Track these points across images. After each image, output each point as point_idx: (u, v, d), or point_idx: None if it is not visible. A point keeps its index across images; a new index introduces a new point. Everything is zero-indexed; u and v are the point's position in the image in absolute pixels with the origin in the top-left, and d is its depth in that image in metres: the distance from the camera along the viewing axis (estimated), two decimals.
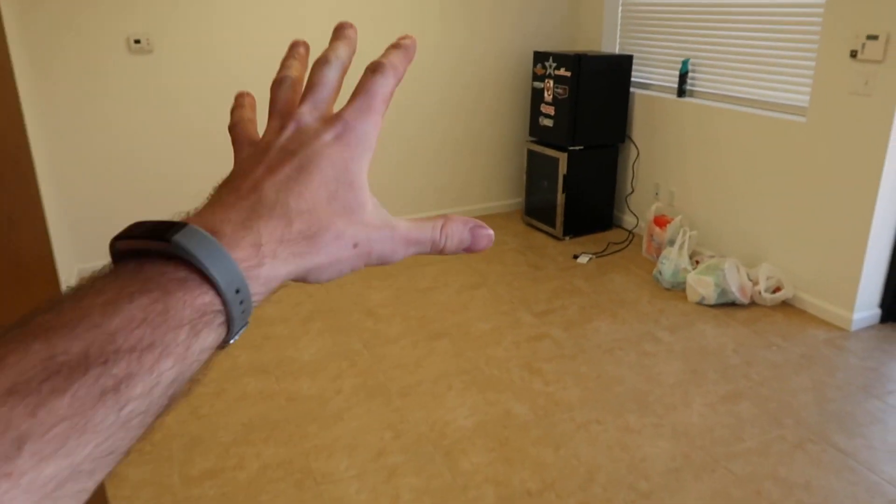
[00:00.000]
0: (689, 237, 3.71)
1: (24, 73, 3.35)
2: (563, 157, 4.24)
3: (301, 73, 0.43)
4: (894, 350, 3.02)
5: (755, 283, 3.44)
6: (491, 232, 0.41)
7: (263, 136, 0.40)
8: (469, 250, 0.41)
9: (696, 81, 3.97)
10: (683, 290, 3.58)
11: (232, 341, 0.33)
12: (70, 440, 0.25)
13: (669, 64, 4.15)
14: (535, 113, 4.45)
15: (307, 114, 0.39)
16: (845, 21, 2.99)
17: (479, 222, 0.40)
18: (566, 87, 4.13)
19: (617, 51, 4.56)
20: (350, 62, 0.43)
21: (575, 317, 3.37)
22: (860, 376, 2.82)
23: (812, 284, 3.35)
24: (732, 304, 3.44)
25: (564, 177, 4.26)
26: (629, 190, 4.50)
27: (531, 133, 4.54)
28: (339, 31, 0.44)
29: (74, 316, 0.27)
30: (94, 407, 0.26)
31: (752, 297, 3.44)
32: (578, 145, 4.23)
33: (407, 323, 3.33)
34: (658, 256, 3.84)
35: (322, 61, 0.42)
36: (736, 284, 3.40)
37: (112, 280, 0.30)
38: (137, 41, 3.64)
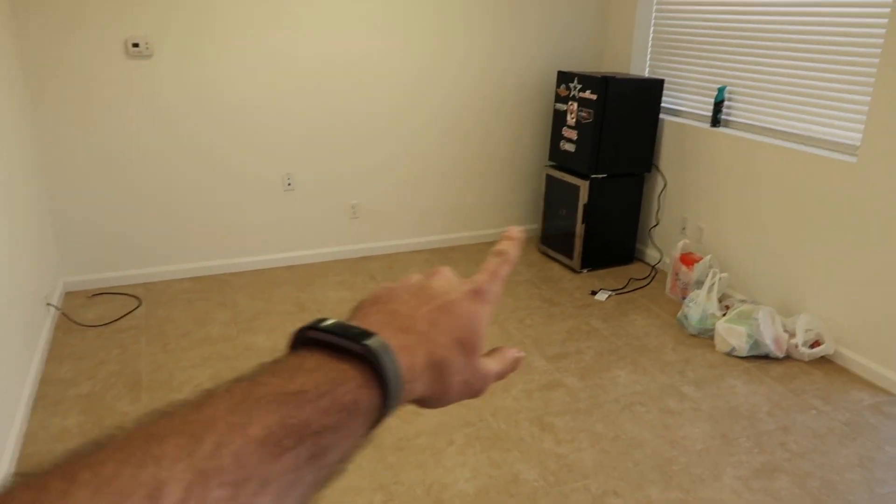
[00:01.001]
0: (719, 279, 3.41)
1: (14, 75, 3.12)
2: (584, 185, 3.96)
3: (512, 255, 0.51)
4: None
5: (792, 336, 3.14)
6: (524, 355, 0.50)
7: (411, 277, 0.47)
8: (510, 371, 0.48)
9: (733, 111, 3.68)
10: (711, 337, 3.28)
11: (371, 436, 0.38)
12: (290, 489, 0.31)
13: (704, 90, 3.86)
14: (557, 137, 4.18)
15: (450, 272, 0.47)
16: None
17: (518, 352, 0.49)
18: (591, 110, 3.86)
19: (647, 74, 4.29)
20: (516, 261, 0.50)
21: (591, 363, 3.08)
22: None
23: (856, 340, 3.04)
24: (766, 358, 3.14)
25: (585, 206, 3.98)
26: (654, 222, 4.20)
27: (551, 158, 4.26)
28: (513, 236, 0.51)
29: (295, 387, 0.34)
30: (306, 466, 0.32)
31: (787, 350, 3.14)
32: (601, 173, 3.95)
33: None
34: (683, 298, 3.54)
35: (499, 254, 0.50)
36: (770, 336, 3.09)
37: (317, 363, 0.36)
38: (136, 45, 3.40)
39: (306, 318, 2.39)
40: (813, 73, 3.20)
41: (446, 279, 0.46)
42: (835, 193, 3.06)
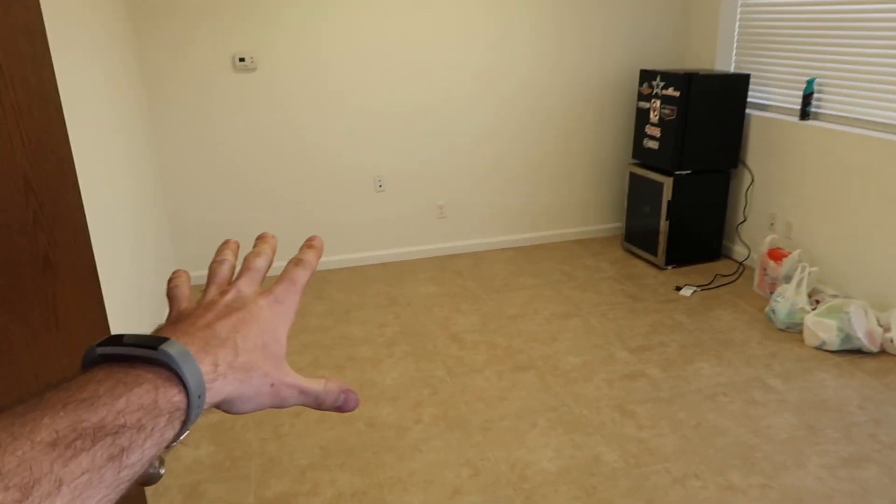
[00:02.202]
0: (809, 274, 3.37)
1: (137, 89, 3.51)
2: (667, 182, 3.98)
3: (234, 260, 0.53)
4: None
5: (886, 330, 3.06)
6: (357, 397, 0.50)
7: (203, 298, 0.48)
8: (340, 410, 0.49)
9: (823, 103, 3.62)
10: (800, 332, 3.24)
11: (181, 439, 0.39)
12: (87, 489, 0.30)
13: (792, 84, 3.81)
14: (640, 134, 4.22)
15: (245, 286, 0.48)
16: None
17: (349, 388, 0.50)
18: (674, 107, 3.88)
19: (732, 69, 4.26)
20: (272, 260, 0.53)
21: (674, 356, 3.12)
22: None
23: None
24: (858, 352, 3.08)
25: (669, 203, 4.00)
26: (741, 219, 4.16)
27: (634, 155, 4.30)
28: (265, 239, 0.54)
29: (87, 395, 0.33)
30: (104, 466, 0.32)
31: (882, 344, 3.06)
32: (685, 170, 3.96)
33: (492, 352, 3.20)
34: (772, 293, 3.51)
35: (255, 254, 0.52)
36: (863, 330, 3.03)
37: (107, 373, 0.36)
38: (242, 59, 3.73)
39: (398, 311, 2.70)
40: None
41: (239, 294, 0.47)
42: None
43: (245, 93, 3.82)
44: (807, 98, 3.64)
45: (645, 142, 4.17)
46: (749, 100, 4.02)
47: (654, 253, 4.15)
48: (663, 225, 4.05)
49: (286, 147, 3.98)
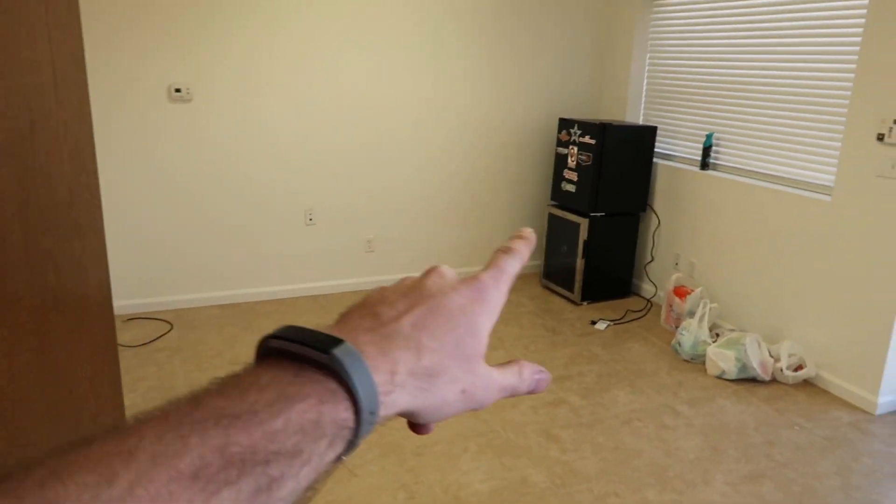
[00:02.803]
0: (710, 309, 3.69)
1: None
2: (584, 223, 4.27)
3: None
4: None
5: (776, 360, 3.40)
6: (549, 376, 0.46)
7: (408, 277, 0.43)
8: (533, 392, 0.44)
9: (720, 155, 4.02)
10: (703, 362, 3.54)
11: (345, 458, 0.34)
12: None
13: (693, 136, 4.21)
14: (558, 178, 4.51)
15: (449, 271, 0.42)
16: (873, 104, 3.05)
17: (541, 368, 0.45)
18: (590, 154, 4.19)
19: (641, 121, 4.65)
20: (525, 261, 0.46)
21: (593, 384, 3.33)
22: (888, 463, 2.75)
23: (835, 364, 3.30)
24: (753, 381, 3.39)
25: (584, 242, 4.28)
26: (649, 258, 4.50)
27: (553, 197, 4.58)
28: (522, 235, 0.47)
29: (243, 409, 0.29)
30: (250, 501, 0.28)
31: (773, 374, 3.40)
32: (600, 212, 4.27)
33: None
34: (677, 327, 3.81)
35: (504, 251, 0.45)
36: (757, 360, 3.36)
37: (272, 378, 0.32)
38: (178, 90, 3.75)
39: None
40: (790, 120, 3.55)
41: (442, 277, 0.41)
42: (812, 229, 3.37)
43: (180, 123, 3.83)
44: (706, 150, 4.03)
45: (563, 185, 4.46)
46: (656, 150, 4.40)
47: (571, 289, 4.41)
48: (579, 263, 4.31)
49: (220, 177, 3.99)
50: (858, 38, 3.12)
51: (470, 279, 0.41)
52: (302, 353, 0.33)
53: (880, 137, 3.02)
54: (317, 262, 4.38)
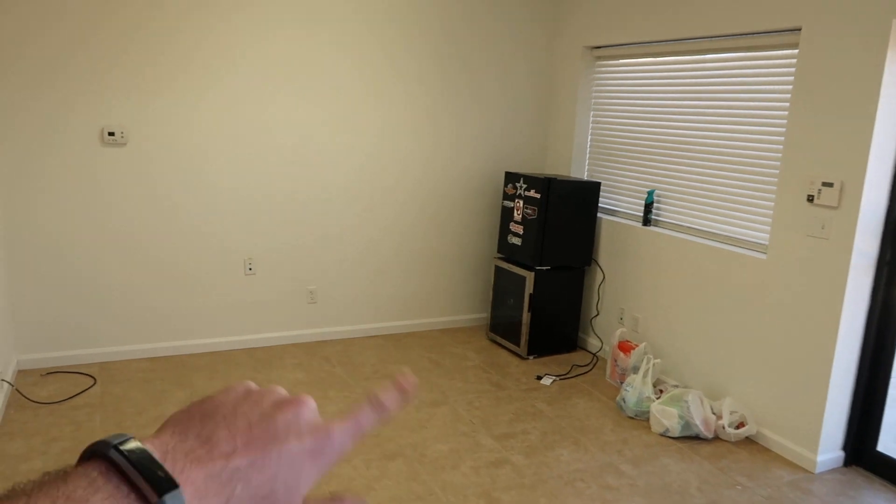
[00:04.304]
0: (653, 365, 3.68)
1: None
2: (529, 276, 4.26)
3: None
4: (858, 496, 2.96)
5: (719, 417, 3.39)
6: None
7: (265, 391, 0.42)
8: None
9: (661, 212, 4.09)
10: (647, 419, 3.51)
11: None
12: None
13: (636, 193, 4.28)
14: (505, 230, 4.51)
15: (309, 414, 0.41)
16: (802, 166, 3.14)
17: (360, 499, 0.45)
18: (535, 208, 4.21)
19: (585, 176, 4.71)
20: (387, 417, 0.45)
21: (536, 442, 3.25)
22: None
23: (775, 422, 3.31)
24: (696, 438, 3.37)
25: (531, 296, 4.26)
26: (594, 312, 4.50)
27: (500, 250, 4.57)
28: (405, 386, 0.46)
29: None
30: None
31: (715, 431, 3.38)
32: (545, 265, 4.26)
33: (361, 440, 3.17)
34: (622, 382, 3.79)
35: (376, 406, 0.45)
36: (700, 418, 3.34)
37: (101, 502, 0.32)
38: (111, 133, 3.63)
39: None
40: (726, 180, 3.64)
41: (297, 417, 0.40)
42: (749, 286, 3.42)
43: (114, 166, 3.69)
44: (648, 206, 4.09)
45: (509, 238, 4.46)
46: (600, 205, 4.45)
47: (518, 343, 4.36)
48: (525, 316, 4.28)
49: (155, 223, 3.85)
50: (787, 104, 3.24)
51: (322, 431, 0.41)
52: (139, 484, 0.33)
53: (810, 199, 3.10)
54: (256, 313, 4.23)
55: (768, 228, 3.38)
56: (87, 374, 3.69)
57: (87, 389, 3.52)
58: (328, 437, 0.41)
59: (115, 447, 0.33)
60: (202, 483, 0.35)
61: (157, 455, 0.34)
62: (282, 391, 0.43)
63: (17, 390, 3.44)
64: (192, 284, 4.02)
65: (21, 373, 3.67)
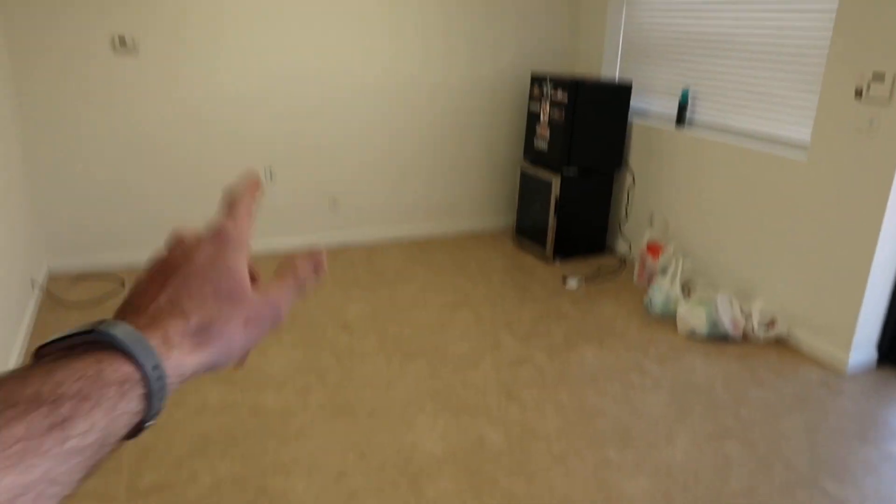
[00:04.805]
0: (682, 267, 3.59)
1: (2, 66, 3.24)
2: (556, 180, 4.13)
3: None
4: (891, 395, 2.89)
5: (748, 318, 3.31)
6: (323, 252, 0.48)
7: (154, 262, 0.44)
8: (315, 272, 0.48)
9: (697, 111, 3.88)
10: (674, 320, 3.45)
11: (151, 422, 0.36)
12: (25, 460, 0.28)
13: (670, 93, 4.06)
14: (531, 134, 4.35)
15: (191, 238, 0.44)
16: (851, 59, 2.90)
17: (313, 252, 0.48)
18: (562, 110, 4.03)
19: (617, 77, 4.48)
20: (245, 223, 0.46)
21: (559, 343, 3.23)
22: (855, 422, 2.68)
23: (807, 322, 3.22)
24: (724, 339, 3.31)
25: (557, 200, 4.14)
26: (623, 216, 4.38)
27: (525, 154, 4.43)
28: (233, 194, 0.48)
29: (22, 374, 0.31)
30: (44, 436, 0.29)
31: (744, 332, 3.31)
32: (573, 170, 4.12)
33: (383, 340, 3.19)
34: (649, 285, 3.71)
35: (234, 192, 0.47)
36: (728, 318, 3.27)
37: (49, 361, 0.33)
38: (122, 40, 3.53)
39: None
40: (767, 75, 3.41)
41: (182, 244, 0.43)
42: (787, 188, 3.25)
43: (125, 75, 3.61)
44: (682, 107, 3.88)
45: (535, 142, 4.31)
46: (632, 106, 4.24)
47: (543, 247, 4.29)
48: (552, 221, 4.19)
49: (172, 134, 3.79)
50: None
51: (208, 231, 0.43)
52: (70, 343, 0.35)
53: (858, 93, 2.88)
54: (278, 218, 4.22)
55: (810, 126, 3.17)
56: (115, 278, 3.75)
57: (115, 293, 3.59)
58: (219, 229, 0.44)
59: (41, 346, 0.36)
60: (145, 321, 0.38)
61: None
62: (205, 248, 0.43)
63: (49, 293, 3.51)
64: (213, 191, 3.99)
65: (52, 277, 3.74)
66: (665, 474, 2.31)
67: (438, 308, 3.54)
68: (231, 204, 0.46)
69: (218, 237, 0.43)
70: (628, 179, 4.30)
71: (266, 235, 4.21)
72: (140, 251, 3.92)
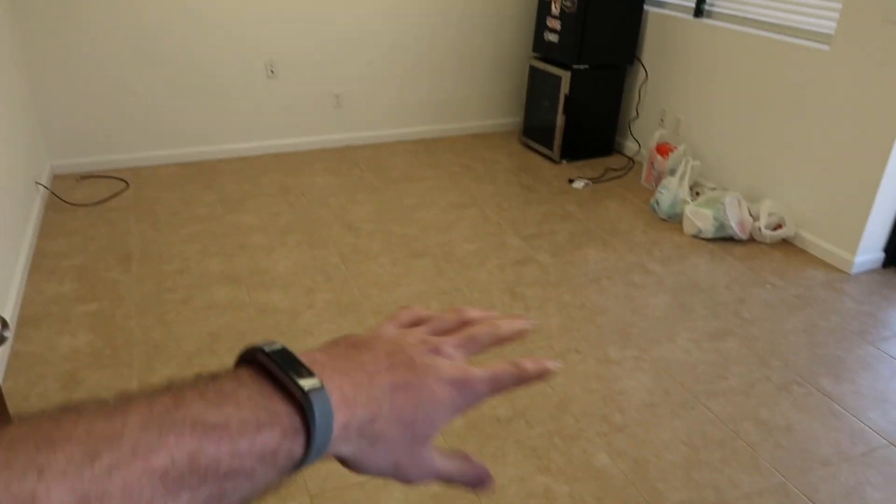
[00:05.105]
0: (692, 167, 3.52)
1: None
2: (566, 76, 3.99)
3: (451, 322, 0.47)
4: (893, 296, 2.89)
5: (756, 219, 3.28)
6: (490, 479, 0.45)
7: (410, 331, 0.43)
8: (471, 487, 0.44)
9: (716, 2, 3.68)
10: (680, 221, 3.42)
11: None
12: None
13: None
14: (541, 27, 4.17)
15: (451, 349, 0.42)
16: None
17: (485, 468, 0.44)
18: (575, 1, 3.84)
19: None
20: (497, 342, 0.46)
21: (564, 243, 3.22)
22: (855, 321, 2.70)
23: (815, 224, 3.19)
24: (730, 240, 3.29)
25: (566, 97, 4.02)
26: (633, 115, 4.26)
27: (535, 48, 4.26)
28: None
29: (219, 421, 0.31)
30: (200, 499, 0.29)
31: (751, 233, 3.29)
32: (584, 64, 3.97)
33: (388, 240, 3.19)
34: (657, 185, 3.66)
35: (492, 325, 0.46)
36: (736, 219, 3.24)
37: (250, 396, 0.33)
38: None
39: (292, 201, 2.63)
40: None
41: (439, 354, 0.41)
42: (806, 82, 3.13)
43: None
44: None
45: (546, 35, 4.13)
46: None
47: (550, 147, 4.21)
48: (560, 119, 4.08)
49: (172, 31, 3.65)
50: None
51: (463, 376, 0.40)
52: (283, 381, 0.34)
53: None
54: (281, 118, 4.13)
55: (836, 15, 3.01)
56: (119, 179, 3.73)
57: (120, 193, 3.58)
58: (470, 385, 0.41)
59: (263, 350, 0.35)
60: (350, 390, 0.36)
61: (303, 360, 0.35)
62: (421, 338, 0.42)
63: (53, 193, 3.51)
64: (214, 89, 3.89)
65: (56, 178, 3.72)
66: (664, 371, 2.36)
67: (444, 208, 3.52)
68: (500, 372, 0.43)
69: (462, 393, 0.40)
70: (641, 76, 4.15)
71: (269, 137, 4.14)
72: (142, 152, 3.88)
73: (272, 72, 3.98)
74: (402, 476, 0.40)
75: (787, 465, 1.98)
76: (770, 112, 3.33)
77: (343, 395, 0.35)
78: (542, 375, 0.45)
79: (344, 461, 0.38)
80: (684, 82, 3.84)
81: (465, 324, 0.46)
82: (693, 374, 2.34)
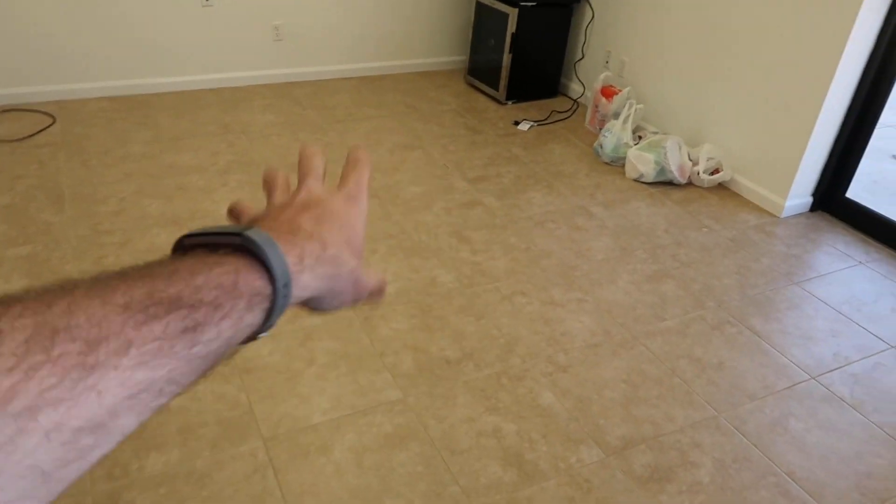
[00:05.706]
0: (635, 110, 3.57)
1: None
2: (513, 13, 3.93)
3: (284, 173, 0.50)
4: (819, 239, 3.06)
5: (695, 164, 3.37)
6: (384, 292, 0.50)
7: (273, 201, 0.46)
8: (372, 297, 0.48)
9: None
10: (623, 165, 3.49)
11: (265, 334, 0.37)
12: (157, 358, 0.29)
13: None
14: None
15: (314, 185, 0.46)
16: None
17: (384, 280, 0.49)
18: None
19: None
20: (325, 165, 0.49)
21: (510, 186, 3.25)
22: (784, 263, 2.85)
23: (750, 169, 3.31)
24: (670, 184, 3.38)
25: (513, 35, 3.97)
26: (579, 56, 4.26)
27: None
28: (314, 152, 0.49)
29: (165, 271, 0.32)
30: (177, 338, 0.30)
31: (690, 177, 3.39)
32: (530, 1, 3.92)
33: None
34: (601, 129, 3.70)
35: (312, 154, 0.49)
36: (676, 164, 3.32)
37: (192, 257, 0.34)
38: None
39: (232, 140, 2.56)
40: None
41: (310, 192, 0.45)
42: (749, 25, 3.18)
43: None
44: None
45: None
46: None
47: (496, 88, 4.17)
48: (506, 59, 4.04)
49: None
50: None
51: (338, 191, 0.46)
52: (217, 241, 0.36)
53: None
54: (219, 51, 3.94)
55: None
56: (45, 113, 3.51)
57: (47, 128, 3.38)
58: (346, 190, 0.47)
59: (190, 234, 0.37)
60: (287, 234, 0.39)
61: (229, 227, 0.37)
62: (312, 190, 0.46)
63: None
64: (143, 16, 3.66)
65: None
66: (605, 312, 2.45)
67: (390, 149, 3.48)
68: (356, 175, 0.48)
69: (348, 196, 0.46)
70: (588, 15, 4.13)
71: (207, 71, 3.96)
72: (69, 84, 3.65)
73: (207, 0, 3.76)
74: (355, 296, 0.44)
75: (719, 399, 2.11)
76: (712, 56, 3.39)
77: (284, 237, 0.38)
78: (365, 155, 0.50)
79: (315, 301, 0.42)
80: (631, 22, 3.84)
81: (304, 165, 0.49)
82: (633, 315, 2.44)
